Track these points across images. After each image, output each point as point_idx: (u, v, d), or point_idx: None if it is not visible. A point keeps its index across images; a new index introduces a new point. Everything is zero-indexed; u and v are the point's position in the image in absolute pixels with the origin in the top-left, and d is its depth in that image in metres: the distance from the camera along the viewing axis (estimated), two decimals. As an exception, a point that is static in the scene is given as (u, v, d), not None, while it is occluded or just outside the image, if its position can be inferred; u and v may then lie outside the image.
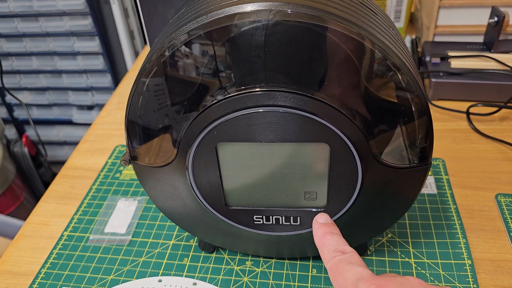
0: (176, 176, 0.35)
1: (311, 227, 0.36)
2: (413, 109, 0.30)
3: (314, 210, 0.35)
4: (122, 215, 0.49)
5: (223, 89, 0.29)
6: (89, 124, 1.09)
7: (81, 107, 1.07)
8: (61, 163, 1.15)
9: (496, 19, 0.62)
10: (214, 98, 0.30)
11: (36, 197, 0.99)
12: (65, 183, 0.54)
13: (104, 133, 0.62)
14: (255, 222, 0.37)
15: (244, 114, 0.30)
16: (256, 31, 0.27)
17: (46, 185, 1.01)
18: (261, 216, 0.36)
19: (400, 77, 0.29)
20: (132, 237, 0.46)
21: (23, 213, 0.95)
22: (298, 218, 0.36)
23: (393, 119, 0.30)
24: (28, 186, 0.97)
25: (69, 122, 1.09)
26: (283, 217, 0.36)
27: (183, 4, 0.34)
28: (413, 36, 0.75)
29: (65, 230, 0.48)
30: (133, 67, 0.77)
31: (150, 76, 0.30)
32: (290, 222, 0.36)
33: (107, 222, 0.48)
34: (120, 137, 0.61)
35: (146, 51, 0.81)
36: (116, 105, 0.68)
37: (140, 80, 0.31)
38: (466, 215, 0.46)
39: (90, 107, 1.07)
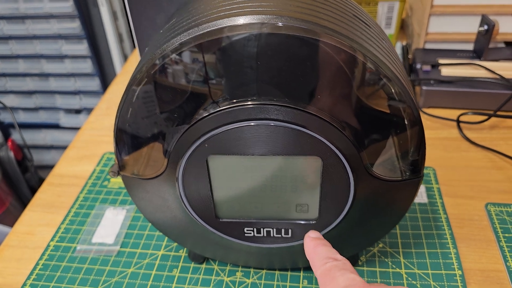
0: (165, 188, 0.34)
1: (303, 239, 0.36)
2: (405, 121, 0.30)
3: (305, 222, 0.35)
4: (110, 225, 0.48)
5: (214, 102, 0.29)
6: (76, 128, 1.07)
7: (68, 111, 1.05)
8: (48, 167, 1.13)
9: (486, 27, 0.62)
10: (205, 111, 0.29)
11: (22, 202, 0.97)
12: (52, 191, 0.53)
13: (92, 139, 0.61)
14: (245, 234, 0.36)
15: (236, 128, 0.29)
16: (248, 44, 0.27)
17: (33, 190, 0.99)
18: (252, 229, 0.36)
19: (392, 89, 0.28)
20: (121, 247, 0.45)
21: (9, 219, 0.93)
22: (290, 230, 0.35)
23: (385, 132, 0.30)
24: (14, 191, 0.96)
25: (56, 126, 1.07)
26: (274, 230, 0.36)
27: (174, 13, 0.34)
28: (404, 43, 0.76)
29: (51, 240, 0.47)
30: (122, 71, 0.76)
31: (140, 86, 0.30)
32: (281, 235, 0.36)
33: (94, 232, 0.47)
34: (108, 144, 0.60)
35: (135, 55, 0.80)
36: (105, 111, 0.67)
37: (130, 90, 0.30)
38: (457, 225, 0.46)
39: (78, 111, 1.05)
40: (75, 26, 0.88)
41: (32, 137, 1.08)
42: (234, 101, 0.29)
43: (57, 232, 0.47)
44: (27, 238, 0.47)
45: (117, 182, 0.53)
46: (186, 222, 0.37)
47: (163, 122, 0.31)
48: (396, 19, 0.72)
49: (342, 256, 0.30)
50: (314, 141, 0.30)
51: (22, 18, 0.90)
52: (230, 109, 0.29)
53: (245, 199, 0.34)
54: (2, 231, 0.83)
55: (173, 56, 0.28)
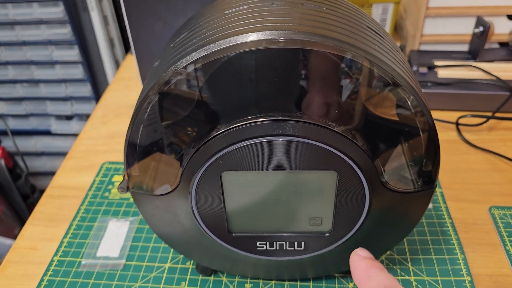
0: (177, 204, 0.34)
1: (315, 251, 0.36)
2: (420, 133, 0.30)
3: (319, 235, 0.35)
4: (114, 237, 0.47)
5: (227, 120, 0.29)
6: (68, 135, 1.05)
7: (59, 117, 1.03)
8: (39, 174, 1.11)
9: (481, 29, 0.63)
10: (219, 128, 0.29)
11: (15, 210, 0.95)
12: (52, 204, 0.52)
13: (89, 148, 0.60)
14: (258, 248, 0.36)
15: (250, 144, 0.29)
16: (262, 61, 0.26)
17: (25, 197, 0.97)
18: (264, 242, 0.35)
19: (408, 101, 0.28)
20: (126, 260, 0.45)
21: (1, 228, 0.91)
22: (303, 243, 0.35)
23: (400, 143, 0.30)
24: (6, 199, 0.94)
25: (47, 133, 1.05)
26: (287, 243, 0.35)
27: (182, 26, 0.33)
28: (398, 44, 0.76)
29: (55, 255, 0.46)
30: (116, 78, 0.75)
31: (152, 104, 0.29)
32: (294, 248, 0.36)
33: (99, 245, 0.46)
34: (106, 153, 0.59)
35: (128, 60, 0.79)
36: (101, 118, 0.65)
37: (142, 108, 0.30)
38: (462, 229, 0.46)
39: (69, 117, 1.04)
40: (65, 31, 0.87)
41: (23, 143, 1.06)
42: (249, 117, 0.28)
43: (60, 246, 0.47)
44: (30, 253, 0.46)
45: (118, 193, 0.53)
46: (196, 236, 0.36)
47: (176, 140, 0.30)
48: (390, 21, 0.73)
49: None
50: (330, 155, 0.29)
51: (11, 24, 0.87)
52: (244, 126, 0.28)
53: (259, 214, 0.34)
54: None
55: (187, 73, 0.27)
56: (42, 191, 1.14)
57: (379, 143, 0.30)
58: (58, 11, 0.84)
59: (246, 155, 0.30)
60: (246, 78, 0.27)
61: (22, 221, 0.98)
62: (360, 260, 0.28)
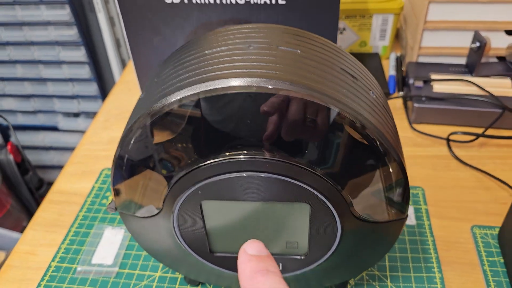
0: (161, 225, 0.36)
1: (293, 271, 0.38)
2: (390, 170, 0.31)
3: (295, 257, 0.37)
4: (109, 245, 0.50)
5: (207, 155, 0.30)
6: (75, 131, 1.08)
7: (67, 114, 1.06)
8: (46, 167, 1.15)
9: (478, 44, 0.63)
10: (199, 162, 0.31)
11: (23, 203, 0.99)
12: (52, 209, 0.55)
13: (90, 154, 0.62)
14: (238, 267, 0.38)
15: (228, 178, 0.31)
16: (243, 102, 0.28)
17: (32, 191, 1.01)
18: (244, 262, 0.37)
19: (375, 141, 0.30)
20: (119, 268, 0.47)
21: (10, 221, 0.95)
22: (280, 264, 0.37)
23: (370, 179, 0.31)
24: (14, 193, 0.97)
25: (54, 129, 1.09)
26: (266, 263, 0.37)
27: (165, 62, 0.35)
28: (398, 54, 0.76)
29: (52, 260, 0.48)
30: (120, 81, 0.77)
31: (136, 135, 0.31)
32: (272, 268, 0.38)
33: (94, 252, 0.49)
34: (106, 159, 0.61)
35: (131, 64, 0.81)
36: (102, 123, 0.68)
37: (126, 139, 0.31)
38: (443, 247, 0.47)
39: (76, 115, 1.07)
40: (72, 33, 0.89)
41: (30, 138, 1.09)
42: (227, 154, 0.30)
43: (57, 252, 0.49)
44: (29, 258, 0.49)
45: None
46: (181, 255, 0.38)
47: (159, 169, 0.32)
48: (390, 31, 0.73)
49: None
50: (302, 190, 0.31)
51: (19, 24, 0.90)
52: (223, 161, 0.30)
53: (238, 236, 0.36)
54: (4, 235, 0.84)
55: (172, 109, 0.29)
56: (50, 184, 1.17)
57: (348, 178, 0.31)
58: (64, 13, 0.86)
59: (224, 187, 0.31)
60: (226, 118, 0.29)
61: (30, 214, 1.02)
62: (246, 262, 0.23)
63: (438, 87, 0.63)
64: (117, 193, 0.35)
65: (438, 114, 0.62)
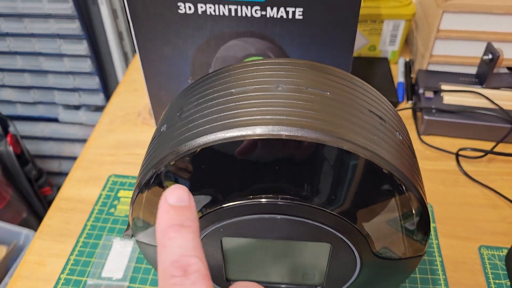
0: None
1: None
2: (413, 211, 0.31)
3: (312, 286, 0.37)
4: (119, 258, 0.50)
5: (230, 196, 0.30)
6: (75, 123, 1.07)
7: (67, 106, 1.04)
8: (45, 157, 1.14)
9: (490, 56, 0.62)
10: (222, 203, 0.30)
11: (23, 195, 0.99)
12: (59, 217, 0.54)
13: (97, 158, 0.62)
14: (254, 295, 0.38)
15: (250, 219, 0.31)
16: (270, 148, 0.28)
17: (32, 182, 1.00)
18: (260, 290, 0.38)
19: (400, 187, 0.30)
20: (130, 282, 0.47)
21: (10, 213, 0.94)
22: (295, 291, 0.38)
23: (393, 220, 0.31)
24: (14, 184, 0.97)
25: (55, 120, 1.07)
26: (282, 291, 0.38)
27: (188, 93, 0.34)
28: (407, 59, 0.76)
29: (62, 272, 0.48)
30: (124, 80, 0.75)
31: (160, 173, 0.30)
32: (288, 296, 0.38)
33: (104, 265, 0.49)
34: (113, 165, 0.60)
35: (137, 60, 0.79)
36: (108, 126, 0.67)
37: (149, 174, 0.31)
38: (450, 268, 0.48)
39: (77, 107, 1.05)
40: (74, 26, 0.86)
41: (29, 129, 1.07)
42: (250, 196, 0.30)
43: (67, 263, 0.49)
44: (38, 269, 0.49)
45: (123, 209, 0.55)
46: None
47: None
48: (400, 37, 0.72)
49: (198, 263, 0.20)
50: (324, 231, 0.31)
51: (19, 16, 0.87)
52: (245, 204, 0.30)
53: (255, 268, 0.36)
54: (4, 228, 0.84)
55: (194, 153, 0.29)
56: (49, 173, 1.16)
57: (371, 220, 0.31)
58: (67, 7, 0.83)
59: (246, 226, 0.31)
60: (250, 163, 0.28)
61: (29, 205, 1.02)
62: (163, 213, 0.21)
63: (449, 99, 0.63)
64: (135, 222, 0.35)
65: (447, 127, 0.62)
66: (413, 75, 0.72)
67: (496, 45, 0.63)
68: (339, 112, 0.29)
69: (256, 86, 0.30)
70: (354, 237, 0.32)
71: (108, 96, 1.02)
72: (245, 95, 0.29)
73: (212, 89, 0.31)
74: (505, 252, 0.49)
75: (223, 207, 0.30)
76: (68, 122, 1.06)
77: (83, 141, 1.11)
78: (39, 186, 1.02)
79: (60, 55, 0.93)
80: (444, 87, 0.65)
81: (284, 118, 0.27)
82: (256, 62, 0.32)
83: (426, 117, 0.62)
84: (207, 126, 0.28)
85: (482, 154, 0.59)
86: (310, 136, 0.27)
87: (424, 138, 0.63)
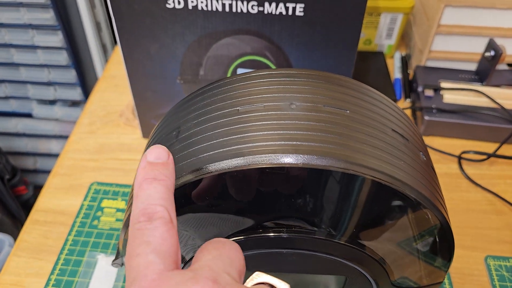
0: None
1: None
2: (437, 239, 0.28)
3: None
4: (104, 276, 0.46)
5: (239, 229, 0.26)
6: (51, 119, 1.00)
7: (42, 101, 0.98)
8: (19, 154, 1.07)
9: (492, 53, 0.60)
10: (239, 234, 0.27)
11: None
12: (38, 232, 0.50)
13: (76, 164, 0.57)
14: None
15: (259, 253, 0.27)
16: (284, 178, 0.24)
17: (4, 181, 0.94)
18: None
19: (429, 215, 0.27)
20: (117, 304, 0.43)
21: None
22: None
23: (414, 252, 0.29)
24: (-14, 185, 0.90)
25: (28, 116, 1.00)
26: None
27: (187, 105, 0.30)
28: (403, 53, 0.72)
29: (42, 294, 0.44)
30: (104, 75, 0.70)
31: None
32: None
33: (88, 285, 0.45)
34: (95, 171, 0.56)
35: (117, 53, 0.74)
36: (88, 127, 0.62)
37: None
38: (458, 280, 0.46)
39: (52, 102, 0.98)
40: (48, 16, 0.80)
41: (2, 125, 1.01)
42: (260, 230, 0.26)
43: (47, 284, 0.45)
44: (15, 291, 0.45)
45: (107, 221, 0.50)
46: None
47: (180, 239, 0.28)
48: (397, 31, 0.69)
49: (163, 211, 0.21)
50: (340, 264, 0.28)
51: (-14, 5, 0.80)
52: (254, 238, 0.26)
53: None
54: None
55: (194, 183, 0.25)
56: (24, 171, 1.10)
57: (391, 249, 0.28)
58: (39, -5, 0.77)
59: (261, 260, 0.28)
60: (266, 195, 0.25)
61: (2, 204, 0.96)
62: (141, 168, 0.23)
63: (449, 97, 0.60)
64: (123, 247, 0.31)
65: (449, 128, 0.59)
66: (410, 71, 0.69)
67: (498, 41, 0.61)
68: (361, 135, 0.25)
69: (266, 104, 0.26)
70: (371, 268, 0.29)
71: (85, 90, 0.96)
72: (254, 114, 0.25)
73: (213, 104, 0.27)
74: (511, 262, 0.47)
75: (240, 239, 0.27)
76: (43, 117, 1.00)
77: (59, 137, 1.05)
78: (14, 185, 0.96)
79: (33, 47, 0.86)
80: (443, 84, 0.62)
81: (301, 144, 0.24)
82: (264, 73, 0.28)
83: (426, 117, 0.59)
84: (211, 152, 0.25)
85: (484, 157, 0.57)
86: (333, 165, 0.23)
87: (424, 139, 0.60)
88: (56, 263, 0.47)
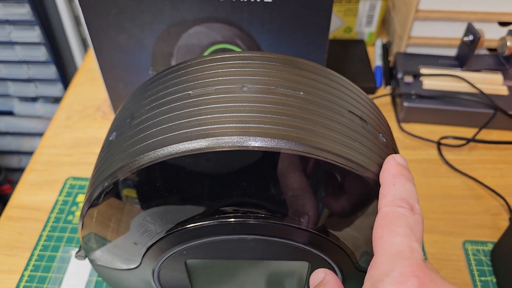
0: (140, 278, 0.31)
1: None
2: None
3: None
4: (79, 271, 0.45)
5: (194, 216, 0.26)
6: (33, 117, 0.99)
7: (24, 98, 0.97)
8: (3, 153, 1.06)
9: (471, 37, 0.59)
10: (183, 224, 0.26)
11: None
12: (11, 228, 0.49)
13: (52, 159, 0.56)
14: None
15: (217, 240, 0.27)
16: (229, 161, 0.23)
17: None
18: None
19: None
20: (91, 299, 0.43)
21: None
22: (272, 311, 0.34)
23: (372, 227, 0.28)
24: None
25: (9, 113, 0.99)
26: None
27: (139, 94, 0.29)
28: (384, 41, 0.72)
29: (15, 291, 0.44)
30: (81, 69, 0.69)
31: (105, 194, 0.26)
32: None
33: (62, 280, 0.44)
34: (70, 166, 0.55)
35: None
36: (64, 122, 0.61)
37: (98, 191, 0.26)
38: (435, 266, 0.45)
39: (33, 99, 0.97)
40: (24, 11, 0.78)
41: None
42: (216, 216, 0.26)
43: (20, 281, 0.44)
44: (-13, 288, 0.44)
45: (83, 216, 0.50)
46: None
47: (138, 226, 0.27)
48: (377, 18, 0.68)
49: (420, 210, 0.23)
50: (301, 250, 0.27)
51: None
52: (211, 224, 0.26)
53: (227, 289, 0.32)
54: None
55: (146, 169, 0.24)
56: (8, 170, 1.09)
57: (350, 232, 0.28)
58: (14, -11, 0.76)
59: (213, 248, 0.27)
60: (213, 178, 0.24)
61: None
62: (393, 165, 0.25)
63: (428, 83, 0.60)
64: (88, 240, 0.30)
65: (428, 114, 0.59)
66: (390, 58, 0.69)
67: (476, 25, 0.60)
68: (315, 117, 0.25)
69: (217, 87, 0.25)
70: (333, 253, 0.28)
71: (67, 86, 0.95)
72: (205, 98, 0.25)
73: (166, 90, 0.27)
74: (490, 246, 0.47)
75: (187, 227, 0.26)
76: (24, 115, 0.99)
77: (43, 135, 1.04)
78: (-1, 184, 0.95)
79: (11, 43, 0.85)
80: (423, 70, 0.61)
81: (251, 126, 0.23)
82: (217, 56, 0.28)
83: (405, 104, 0.58)
84: (160, 137, 0.24)
85: (464, 142, 0.56)
86: (282, 147, 0.23)
87: (404, 126, 0.60)
88: (30, 259, 0.46)
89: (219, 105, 0.24)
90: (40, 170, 0.55)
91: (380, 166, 0.26)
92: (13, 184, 0.98)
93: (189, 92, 0.26)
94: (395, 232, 0.22)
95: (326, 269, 0.26)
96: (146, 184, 0.25)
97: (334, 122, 0.25)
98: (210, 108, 0.24)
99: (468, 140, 0.56)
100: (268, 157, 0.23)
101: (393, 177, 0.24)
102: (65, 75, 0.92)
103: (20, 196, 0.52)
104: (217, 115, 0.24)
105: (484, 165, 0.55)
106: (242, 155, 0.23)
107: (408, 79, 0.61)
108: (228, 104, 0.24)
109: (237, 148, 0.23)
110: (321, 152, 0.23)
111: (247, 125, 0.23)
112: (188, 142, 0.23)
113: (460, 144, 0.56)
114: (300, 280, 0.31)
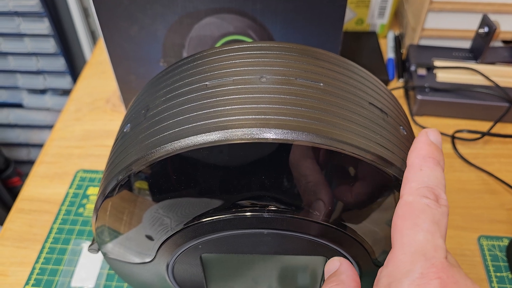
0: (153, 272, 0.31)
1: None
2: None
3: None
4: (90, 264, 0.45)
5: (210, 210, 0.25)
6: (42, 109, 0.99)
7: (33, 91, 0.96)
8: (12, 145, 1.07)
9: (486, 29, 0.58)
10: (202, 216, 0.26)
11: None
12: (22, 220, 0.49)
13: (62, 152, 0.56)
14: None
15: (233, 234, 0.26)
16: (248, 153, 0.23)
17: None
18: (247, 306, 0.34)
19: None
20: (102, 292, 0.43)
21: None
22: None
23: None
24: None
25: (19, 106, 0.99)
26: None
27: (155, 84, 0.28)
28: (396, 33, 0.71)
29: (26, 283, 0.43)
30: (91, 62, 0.69)
31: (125, 182, 0.25)
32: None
33: (73, 273, 0.44)
34: (80, 158, 0.55)
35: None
36: (74, 114, 0.61)
37: (113, 183, 0.26)
38: (449, 261, 0.45)
39: (43, 91, 0.97)
40: (33, 3, 0.78)
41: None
42: (233, 210, 0.25)
43: (32, 273, 0.44)
44: (0, 280, 0.44)
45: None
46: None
47: (153, 220, 0.27)
48: (390, 9, 0.67)
49: (446, 201, 0.22)
50: (319, 245, 0.27)
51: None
52: (227, 218, 0.25)
53: (242, 285, 0.32)
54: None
55: (162, 162, 0.24)
56: (17, 162, 1.09)
57: (370, 227, 0.27)
58: (23, -19, 0.75)
59: (229, 242, 0.27)
60: (233, 170, 0.24)
61: (-3, 196, 0.95)
62: (424, 144, 0.23)
63: (442, 76, 0.59)
64: (100, 233, 0.30)
65: (442, 107, 0.58)
66: (403, 50, 0.68)
67: (492, 17, 0.59)
68: (335, 109, 0.24)
69: (235, 78, 0.25)
70: (351, 247, 0.28)
71: (76, 78, 0.94)
72: (222, 89, 0.24)
73: (182, 81, 0.26)
74: (505, 242, 0.46)
75: (202, 221, 0.26)
76: (34, 107, 0.98)
77: (52, 127, 1.04)
78: (7, 176, 0.95)
79: (20, 35, 0.85)
80: (437, 63, 0.60)
81: (271, 118, 0.22)
82: (234, 46, 0.27)
83: (419, 96, 0.57)
84: (177, 129, 0.24)
85: (478, 136, 0.55)
86: (302, 139, 0.22)
87: (417, 119, 0.59)
88: (41, 252, 0.46)
89: (237, 96, 0.24)
90: (50, 163, 0.55)
91: (402, 160, 0.25)
92: (22, 176, 0.99)
93: (206, 83, 0.25)
94: (418, 227, 0.20)
95: (341, 257, 0.25)
96: (162, 177, 0.25)
97: (355, 114, 0.24)
98: (227, 99, 0.24)
99: (483, 134, 0.55)
100: (288, 150, 0.23)
101: (421, 160, 0.22)
102: (74, 67, 0.92)
103: (30, 188, 0.52)
104: (235, 107, 0.23)
105: (499, 159, 0.54)
106: (260, 147, 0.23)
107: (422, 71, 0.60)
108: (246, 95, 0.24)
109: (256, 141, 0.22)
110: (342, 145, 0.23)
111: (266, 116, 0.23)
112: (206, 134, 0.23)
113: (474, 138, 0.55)
114: (314, 276, 0.30)
